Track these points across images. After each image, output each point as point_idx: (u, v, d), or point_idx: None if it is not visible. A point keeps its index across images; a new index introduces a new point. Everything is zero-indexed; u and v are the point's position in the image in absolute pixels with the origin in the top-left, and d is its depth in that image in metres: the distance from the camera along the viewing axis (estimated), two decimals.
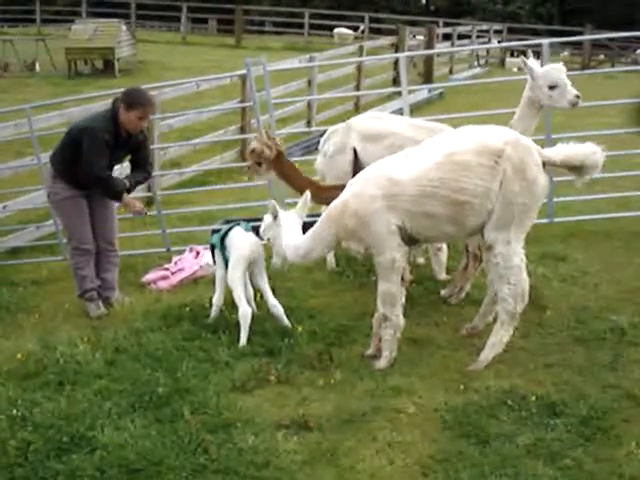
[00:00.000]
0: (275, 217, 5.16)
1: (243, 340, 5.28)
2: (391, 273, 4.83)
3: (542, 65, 6.30)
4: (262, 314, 5.64)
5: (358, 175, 5.07)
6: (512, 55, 28.60)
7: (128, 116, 6.03)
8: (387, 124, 6.44)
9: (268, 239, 5.29)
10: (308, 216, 5.44)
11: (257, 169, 6.10)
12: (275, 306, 5.49)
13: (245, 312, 5.31)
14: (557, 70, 5.97)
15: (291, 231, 5.14)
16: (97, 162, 6.02)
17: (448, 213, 4.70)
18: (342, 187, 5.13)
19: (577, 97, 5.96)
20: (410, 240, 4.86)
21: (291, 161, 6.16)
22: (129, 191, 6.44)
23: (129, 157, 6.45)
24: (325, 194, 5.75)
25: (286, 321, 5.47)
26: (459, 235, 5.06)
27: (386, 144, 6.12)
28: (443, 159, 4.67)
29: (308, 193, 5.35)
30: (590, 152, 4.75)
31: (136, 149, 6.34)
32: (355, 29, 32.61)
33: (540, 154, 4.75)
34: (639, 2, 36.38)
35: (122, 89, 6.40)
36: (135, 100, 6.02)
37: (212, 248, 5.77)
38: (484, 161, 4.62)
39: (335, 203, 4.96)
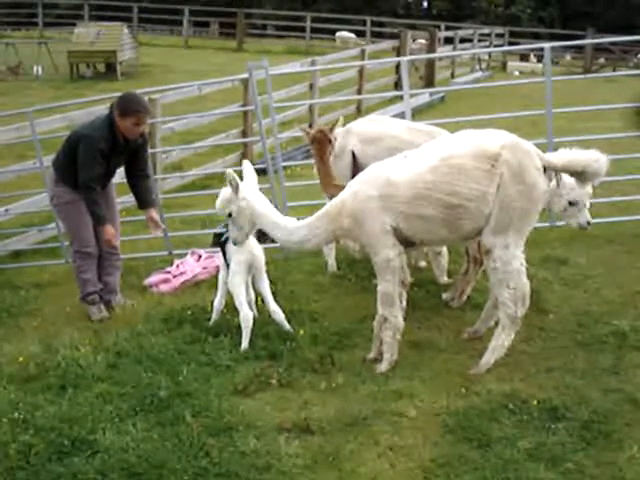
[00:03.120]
0: (236, 189, 5.10)
1: (244, 344, 5.29)
2: (386, 272, 4.84)
3: (544, 68, 6.21)
4: (264, 318, 5.64)
5: (358, 176, 5.08)
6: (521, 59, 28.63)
7: (123, 123, 6.01)
8: (385, 127, 6.51)
9: (229, 214, 5.20)
10: None
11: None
12: (276, 312, 5.49)
13: (246, 317, 5.32)
14: (585, 192, 5.79)
15: (269, 209, 5.15)
16: (89, 171, 6.01)
17: (442, 216, 4.71)
18: None
19: (588, 223, 5.84)
20: (406, 242, 4.88)
21: (328, 155, 6.24)
22: (153, 203, 6.54)
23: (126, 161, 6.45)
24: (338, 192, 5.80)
25: (287, 326, 5.48)
26: (455, 239, 5.06)
27: (384, 147, 6.17)
28: (439, 162, 4.68)
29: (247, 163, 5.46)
30: (593, 159, 4.73)
31: (135, 152, 6.33)
32: (358, 34, 32.62)
33: (541, 158, 4.75)
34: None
35: (124, 93, 6.40)
36: (128, 107, 5.99)
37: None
38: (480, 165, 4.62)
39: (334, 201, 4.99)
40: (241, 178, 5.24)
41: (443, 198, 4.67)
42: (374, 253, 4.87)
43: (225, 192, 5.19)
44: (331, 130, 6.18)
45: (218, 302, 5.70)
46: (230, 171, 5.12)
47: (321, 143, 6.15)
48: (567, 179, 5.68)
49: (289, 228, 5.04)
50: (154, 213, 6.53)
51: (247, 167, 5.38)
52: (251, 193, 5.14)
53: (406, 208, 4.72)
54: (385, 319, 4.95)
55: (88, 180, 6.04)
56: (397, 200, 4.72)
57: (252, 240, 5.51)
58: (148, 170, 6.70)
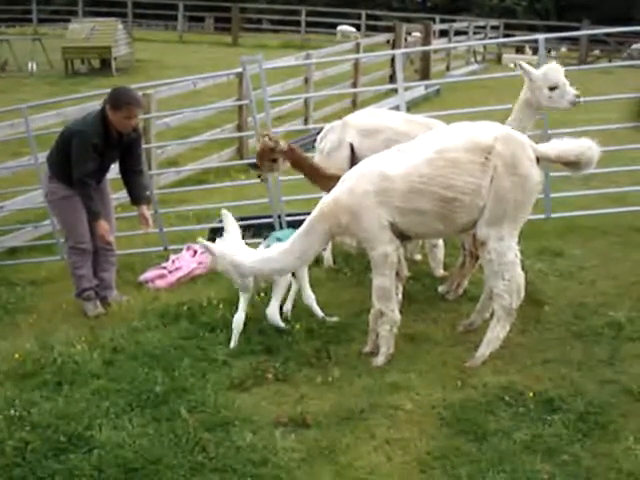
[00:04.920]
0: (212, 253, 5.07)
1: (233, 343, 5.27)
2: (384, 267, 4.83)
3: (539, 61, 6.27)
4: (260, 312, 5.62)
5: (350, 171, 5.06)
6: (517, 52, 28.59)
7: (115, 117, 6.01)
8: (383, 119, 6.49)
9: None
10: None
11: (273, 166, 5.96)
12: (271, 315, 5.41)
13: (238, 318, 5.30)
14: (555, 70, 5.88)
15: (251, 253, 5.11)
16: (82, 167, 6.02)
17: (437, 210, 4.70)
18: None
19: (577, 96, 5.90)
20: (401, 236, 4.87)
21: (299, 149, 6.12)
22: (146, 200, 6.56)
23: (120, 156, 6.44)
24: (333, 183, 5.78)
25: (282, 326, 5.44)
26: (450, 232, 5.06)
27: (382, 138, 6.17)
28: (433, 155, 4.67)
29: (226, 213, 5.35)
30: (585, 147, 4.74)
31: (129, 147, 6.33)
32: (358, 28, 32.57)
33: (534, 149, 4.75)
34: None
35: (115, 87, 6.38)
36: (120, 100, 5.99)
37: None
38: (474, 158, 4.62)
39: (327, 200, 4.95)
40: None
41: (438, 192, 4.66)
42: (371, 248, 4.85)
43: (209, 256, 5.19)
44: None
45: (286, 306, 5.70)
46: (201, 241, 5.13)
47: (291, 150, 5.93)
48: (533, 70, 5.77)
49: (282, 251, 4.95)
50: (146, 210, 6.55)
51: (226, 217, 5.33)
52: (229, 248, 5.08)
53: (402, 202, 4.71)
54: (382, 313, 4.94)
55: (82, 176, 6.04)
56: (393, 194, 4.70)
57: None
58: (142, 166, 6.71)
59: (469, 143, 4.66)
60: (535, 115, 6.06)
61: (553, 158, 4.82)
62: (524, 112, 5.97)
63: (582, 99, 5.90)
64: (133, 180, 6.49)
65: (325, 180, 5.91)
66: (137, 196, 6.53)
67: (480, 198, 4.66)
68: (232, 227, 5.31)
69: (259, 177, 6.21)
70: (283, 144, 5.85)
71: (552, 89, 5.82)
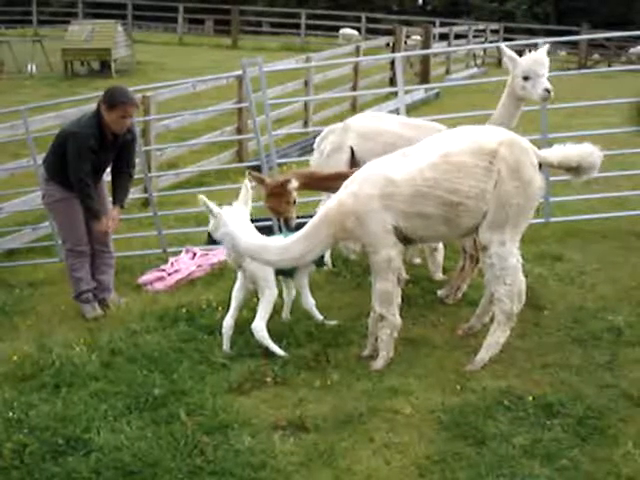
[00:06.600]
0: (214, 215, 4.94)
1: (225, 347, 5.25)
2: (387, 272, 4.82)
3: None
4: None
5: (354, 175, 5.04)
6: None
7: (110, 116, 6.00)
8: (384, 123, 6.51)
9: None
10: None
11: (294, 205, 5.83)
12: (256, 329, 5.20)
13: (225, 323, 5.28)
14: (533, 61, 5.83)
15: (246, 229, 4.91)
16: (80, 168, 6.02)
17: (442, 214, 4.70)
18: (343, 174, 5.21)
19: (547, 91, 5.81)
20: (405, 240, 4.86)
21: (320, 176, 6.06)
22: (121, 204, 6.51)
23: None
24: (328, 183, 5.75)
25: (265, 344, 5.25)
26: (454, 236, 5.07)
27: (382, 142, 6.18)
28: (438, 159, 4.66)
29: (247, 182, 5.16)
30: (587, 153, 4.74)
31: (122, 149, 6.31)
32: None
33: (536, 155, 4.75)
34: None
35: (109, 87, 6.36)
36: (115, 99, 5.98)
37: None
38: (479, 162, 4.61)
39: (331, 204, 4.93)
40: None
41: (443, 196, 4.65)
42: (374, 252, 4.83)
43: (212, 220, 5.03)
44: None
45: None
46: (202, 197, 4.96)
47: (304, 182, 5.84)
48: (516, 57, 5.83)
49: (282, 246, 4.85)
50: (116, 212, 6.47)
51: (245, 187, 5.16)
52: (234, 219, 4.90)
53: (406, 206, 4.70)
54: (383, 317, 4.92)
55: (80, 176, 6.03)
56: (397, 198, 4.69)
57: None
58: (132, 170, 6.60)
59: (473, 147, 4.65)
60: (518, 106, 5.99)
61: (555, 164, 4.82)
62: (508, 99, 5.96)
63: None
64: (118, 181, 6.47)
65: (337, 181, 5.84)
66: (116, 197, 6.47)
67: (484, 202, 4.66)
68: (245, 202, 5.13)
69: (286, 222, 6.01)
70: (293, 184, 5.64)
71: (526, 79, 5.81)
